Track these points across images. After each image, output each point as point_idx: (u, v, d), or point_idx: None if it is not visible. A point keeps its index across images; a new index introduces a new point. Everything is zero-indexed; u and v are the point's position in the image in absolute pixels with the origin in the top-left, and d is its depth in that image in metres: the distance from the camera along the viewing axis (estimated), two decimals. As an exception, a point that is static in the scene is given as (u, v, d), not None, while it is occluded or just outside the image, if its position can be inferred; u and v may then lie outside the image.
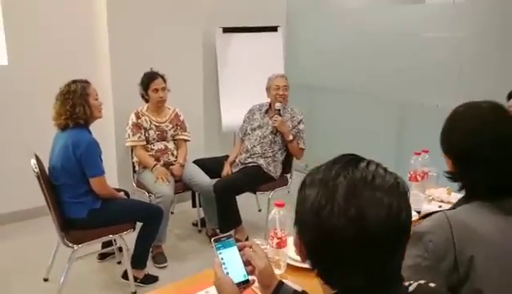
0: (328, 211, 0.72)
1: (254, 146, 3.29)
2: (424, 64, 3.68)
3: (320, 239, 0.74)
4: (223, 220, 3.11)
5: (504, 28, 3.24)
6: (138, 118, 3.14)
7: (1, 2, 3.22)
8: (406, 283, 0.80)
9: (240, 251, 1.16)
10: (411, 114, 3.93)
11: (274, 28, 4.31)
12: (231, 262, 1.14)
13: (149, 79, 3.10)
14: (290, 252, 1.48)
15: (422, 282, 0.82)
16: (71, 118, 2.38)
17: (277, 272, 1.21)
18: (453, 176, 1.19)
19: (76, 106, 2.38)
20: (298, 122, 3.30)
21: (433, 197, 2.01)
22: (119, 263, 2.89)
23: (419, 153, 2.08)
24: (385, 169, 0.77)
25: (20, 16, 3.31)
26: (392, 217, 0.71)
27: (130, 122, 3.14)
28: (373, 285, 0.74)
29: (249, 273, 1.14)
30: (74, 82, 2.44)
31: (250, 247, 1.16)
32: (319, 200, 0.73)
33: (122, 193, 2.75)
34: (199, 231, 3.45)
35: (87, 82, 2.48)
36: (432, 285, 0.83)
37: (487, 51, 3.33)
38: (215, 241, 1.17)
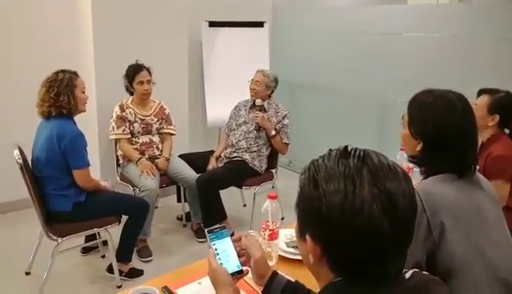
0: (366, 206, 0.70)
1: (239, 141, 3.30)
2: (406, 64, 3.76)
3: (351, 237, 0.71)
4: (207, 214, 3.10)
5: (486, 29, 3.34)
6: (123, 110, 3.10)
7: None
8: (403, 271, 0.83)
9: (235, 242, 1.18)
10: (393, 112, 4.01)
11: (260, 24, 4.32)
12: (225, 253, 1.15)
13: (134, 71, 3.06)
14: (281, 244, 1.51)
15: (416, 269, 0.85)
16: (54, 105, 2.34)
17: (269, 263, 1.23)
18: (419, 160, 1.33)
19: (60, 95, 2.34)
20: (283, 117, 3.32)
21: (419, 191, 2.06)
22: (103, 257, 2.87)
23: (404, 149, 2.13)
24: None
25: (4, 7, 3.22)
26: (412, 203, 0.74)
27: (114, 115, 3.09)
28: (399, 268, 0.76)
29: (243, 263, 1.16)
30: (63, 71, 2.41)
31: (245, 237, 1.18)
32: (352, 195, 0.70)
33: (106, 183, 2.68)
34: (184, 225, 3.44)
35: (75, 73, 2.45)
36: (425, 273, 0.86)
37: (469, 52, 3.43)
38: (209, 232, 1.18)
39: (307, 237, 0.78)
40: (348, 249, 0.73)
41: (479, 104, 2.29)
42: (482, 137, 2.33)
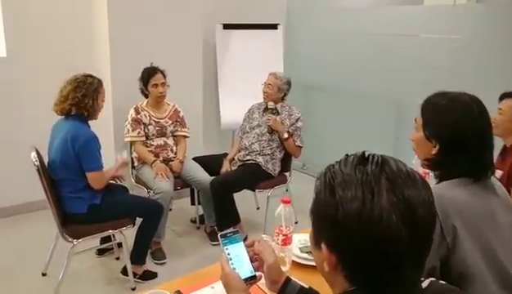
0: (385, 215, 0.68)
1: (252, 144, 3.29)
2: (422, 66, 3.70)
3: (368, 246, 0.69)
4: (221, 217, 3.10)
5: (504, 30, 3.27)
6: (138, 113, 3.12)
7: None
8: None
9: (248, 247, 1.16)
10: (409, 115, 3.94)
11: (274, 26, 4.31)
12: (238, 258, 1.14)
13: (149, 74, 3.09)
14: (295, 249, 1.49)
15: (433, 279, 0.82)
16: (77, 105, 2.39)
17: (282, 269, 1.22)
18: (434, 164, 1.29)
19: (86, 97, 2.40)
20: (297, 120, 3.30)
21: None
22: (118, 259, 2.89)
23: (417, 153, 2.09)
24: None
25: (19, 10, 3.28)
26: (431, 211, 0.73)
27: (129, 118, 3.12)
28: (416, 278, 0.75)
29: (256, 269, 1.15)
30: (92, 76, 2.48)
31: (258, 242, 1.17)
32: (370, 203, 0.68)
33: (120, 158, 2.69)
34: (198, 228, 3.45)
35: (101, 81, 2.52)
36: (442, 282, 0.84)
37: (487, 54, 3.36)
38: (222, 236, 1.18)
39: (323, 245, 0.76)
40: (364, 258, 0.71)
41: (504, 109, 2.22)
42: (506, 142, 2.26)
